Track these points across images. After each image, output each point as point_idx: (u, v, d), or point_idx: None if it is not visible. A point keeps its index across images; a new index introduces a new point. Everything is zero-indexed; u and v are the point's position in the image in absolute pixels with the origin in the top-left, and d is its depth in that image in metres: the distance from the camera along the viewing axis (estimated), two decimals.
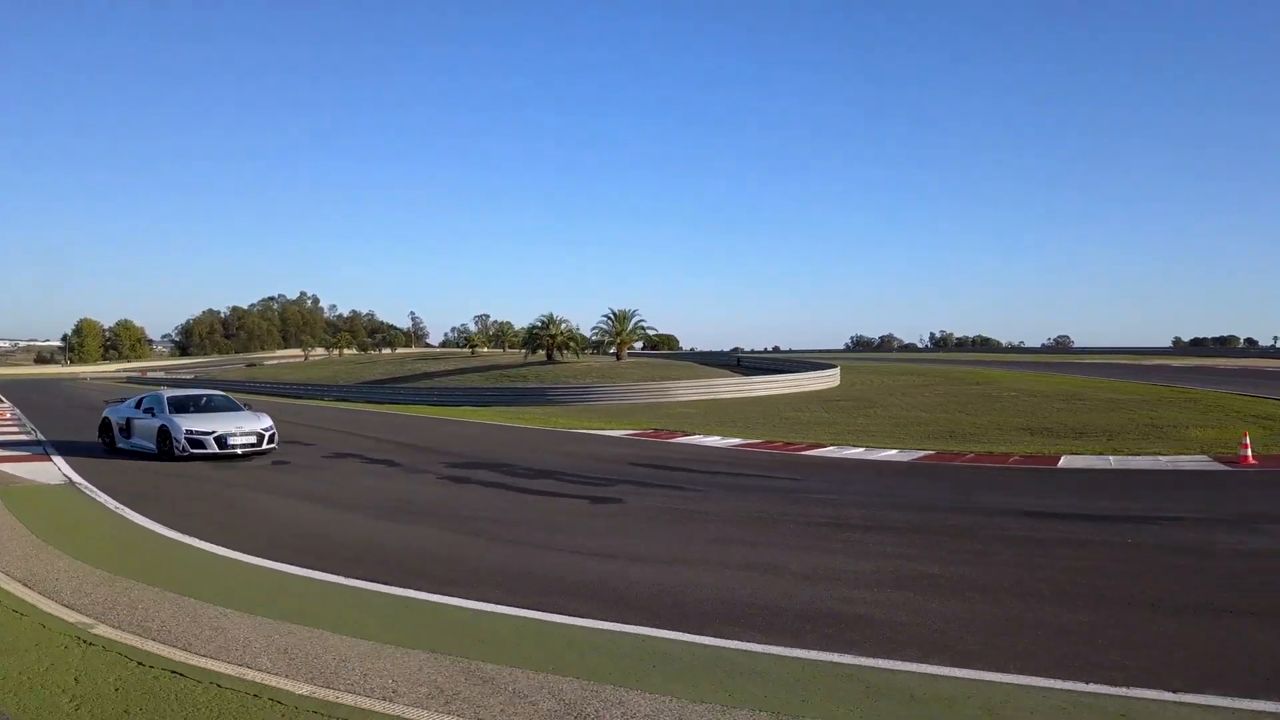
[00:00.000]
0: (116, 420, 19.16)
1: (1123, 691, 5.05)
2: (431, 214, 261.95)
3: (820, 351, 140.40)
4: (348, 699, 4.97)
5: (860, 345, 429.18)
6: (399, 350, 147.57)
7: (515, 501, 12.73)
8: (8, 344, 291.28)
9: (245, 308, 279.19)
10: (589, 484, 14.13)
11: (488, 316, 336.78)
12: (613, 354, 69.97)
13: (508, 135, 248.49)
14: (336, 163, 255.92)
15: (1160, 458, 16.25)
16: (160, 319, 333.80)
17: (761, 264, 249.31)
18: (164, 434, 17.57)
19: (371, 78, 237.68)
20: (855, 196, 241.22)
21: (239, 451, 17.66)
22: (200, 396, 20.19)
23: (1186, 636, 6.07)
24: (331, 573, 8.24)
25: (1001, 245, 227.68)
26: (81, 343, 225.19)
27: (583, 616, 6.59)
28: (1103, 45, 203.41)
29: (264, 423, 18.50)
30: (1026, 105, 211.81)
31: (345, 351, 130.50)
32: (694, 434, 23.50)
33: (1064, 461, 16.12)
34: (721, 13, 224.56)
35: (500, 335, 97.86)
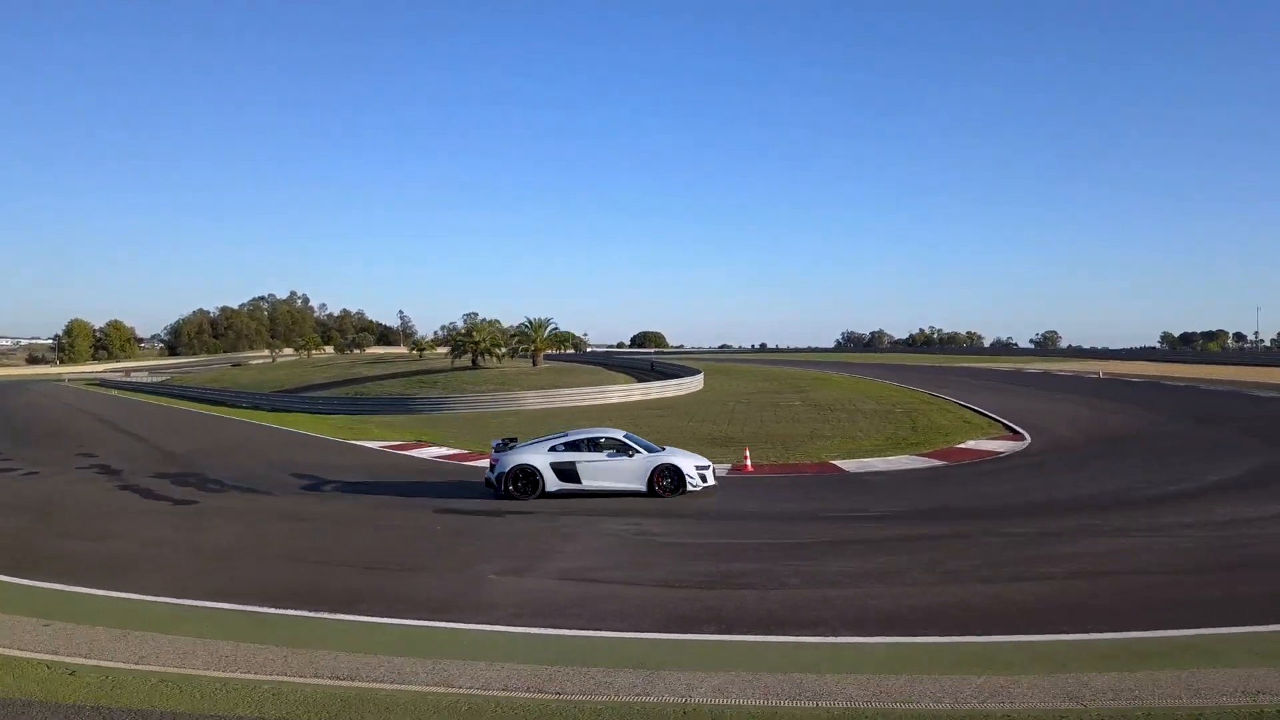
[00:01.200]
0: (550, 465, 18.10)
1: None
2: (426, 211, 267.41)
3: (811, 350, 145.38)
4: None
5: (852, 341, 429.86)
6: (368, 350, 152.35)
7: (125, 499, 17.95)
8: (9, 342, 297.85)
9: (236, 308, 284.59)
10: (214, 491, 19.19)
11: (476, 315, 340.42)
12: (528, 357, 74.86)
13: (502, 134, 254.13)
14: (329, 162, 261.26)
15: None
16: (157, 317, 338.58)
17: (758, 261, 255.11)
18: (667, 472, 17.83)
19: (368, 76, 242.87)
20: (851, 195, 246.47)
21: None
22: (600, 436, 19.15)
23: (206, 566, 11.05)
24: None
25: (996, 242, 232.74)
26: (72, 343, 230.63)
27: None
28: (1093, 44, 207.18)
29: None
30: (1024, 104, 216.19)
31: (315, 353, 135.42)
32: (436, 445, 28.36)
33: None
34: (715, 10, 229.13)
35: (449, 340, 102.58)
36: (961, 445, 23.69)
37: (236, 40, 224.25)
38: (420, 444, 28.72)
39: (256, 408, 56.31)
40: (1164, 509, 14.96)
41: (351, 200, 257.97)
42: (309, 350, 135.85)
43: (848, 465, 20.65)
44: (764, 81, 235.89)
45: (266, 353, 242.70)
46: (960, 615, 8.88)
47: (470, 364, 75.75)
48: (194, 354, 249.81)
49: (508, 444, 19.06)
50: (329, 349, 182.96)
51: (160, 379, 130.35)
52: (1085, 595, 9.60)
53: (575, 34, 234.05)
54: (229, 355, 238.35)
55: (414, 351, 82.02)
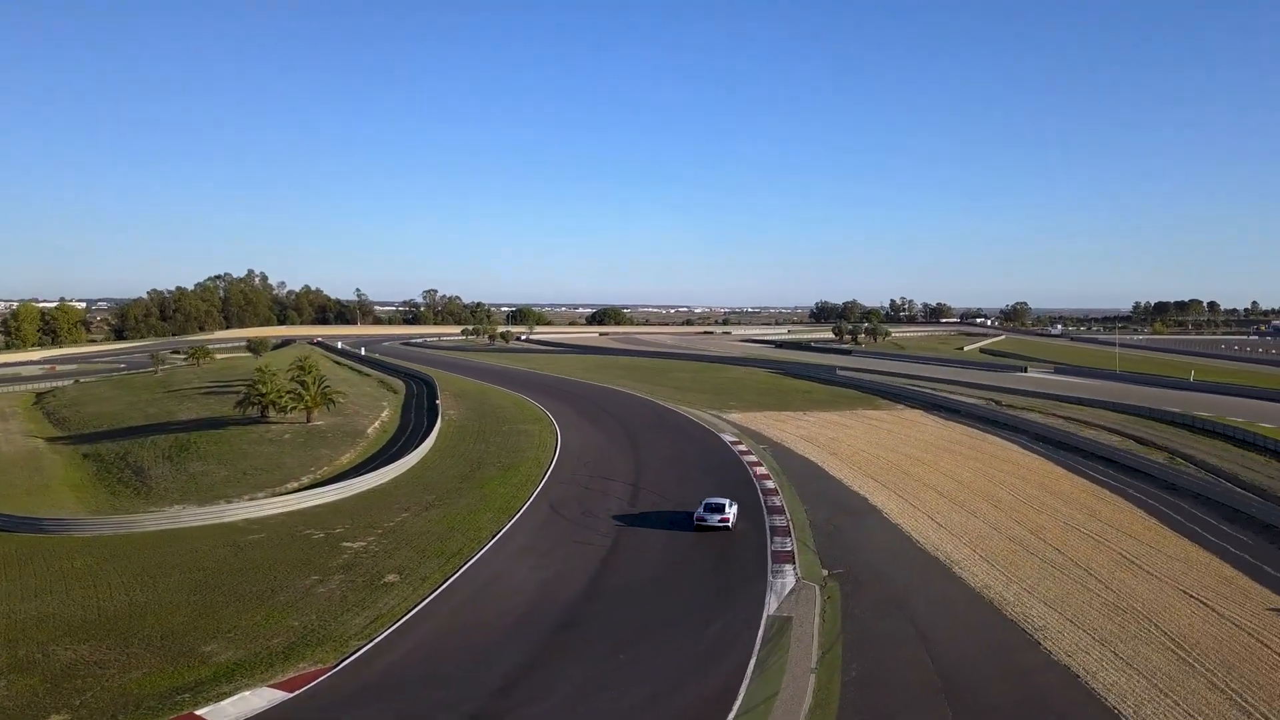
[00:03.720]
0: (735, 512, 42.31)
1: None
2: (393, 188, 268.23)
3: (785, 311, 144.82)
4: None
5: (825, 312, 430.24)
6: (260, 358, 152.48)
7: None
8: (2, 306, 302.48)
9: (190, 289, 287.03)
10: None
11: (435, 292, 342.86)
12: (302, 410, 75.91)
13: (473, 100, 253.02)
14: (291, 134, 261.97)
15: None
16: (129, 289, 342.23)
17: (738, 226, 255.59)
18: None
19: (339, 48, 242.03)
20: (829, 163, 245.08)
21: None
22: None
23: None
24: None
25: (972, 211, 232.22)
26: (19, 327, 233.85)
27: None
28: (1068, 11, 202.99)
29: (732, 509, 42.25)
30: (1006, 76, 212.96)
31: (204, 362, 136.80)
32: None
33: None
34: None
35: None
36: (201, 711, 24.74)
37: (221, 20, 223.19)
38: None
39: None
40: None
41: (315, 175, 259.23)
42: (198, 359, 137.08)
43: None
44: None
45: (231, 333, 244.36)
46: None
47: (259, 415, 77.36)
48: (141, 337, 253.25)
49: (712, 506, 41.92)
50: (250, 335, 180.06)
51: (64, 383, 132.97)
52: None
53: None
54: (175, 340, 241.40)
55: (257, 387, 79.82)
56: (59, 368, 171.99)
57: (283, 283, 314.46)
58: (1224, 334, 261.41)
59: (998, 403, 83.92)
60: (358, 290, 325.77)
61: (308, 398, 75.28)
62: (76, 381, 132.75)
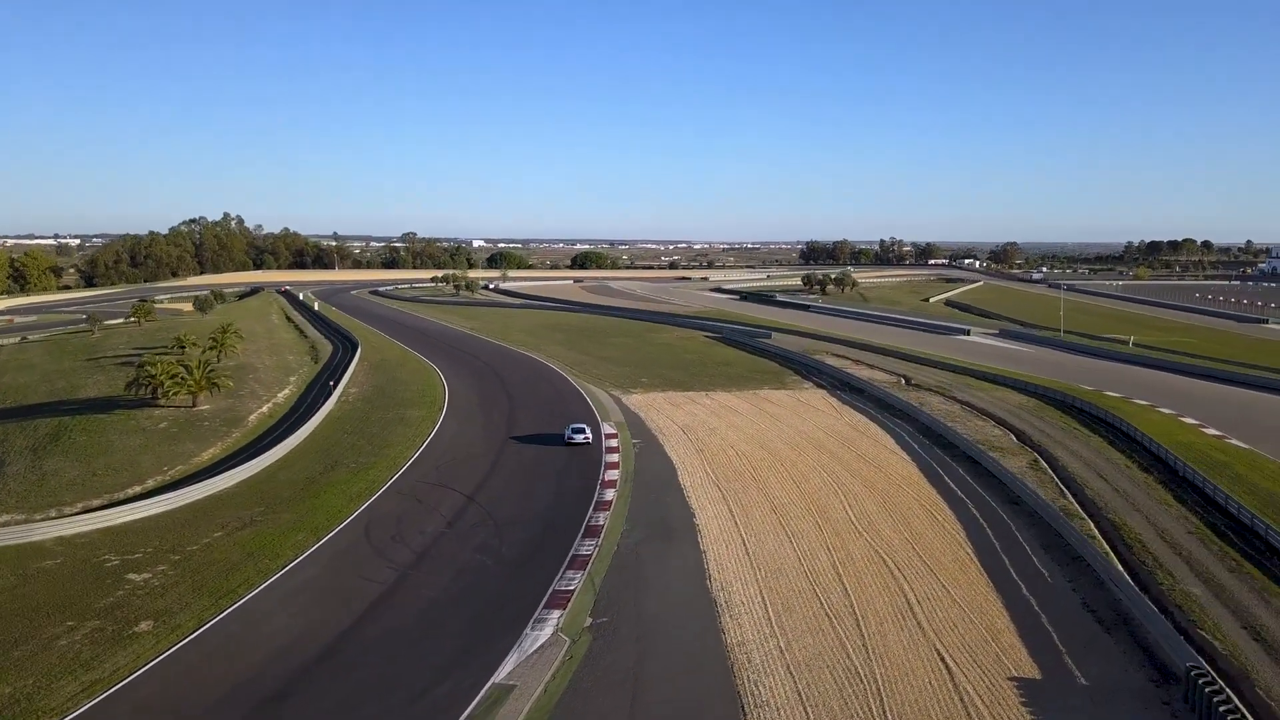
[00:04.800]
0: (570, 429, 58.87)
1: None
2: (388, 117, 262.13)
3: (784, 247, 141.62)
4: None
5: (814, 252, 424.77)
6: (207, 316, 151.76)
7: None
8: None
9: (164, 234, 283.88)
10: None
11: (414, 234, 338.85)
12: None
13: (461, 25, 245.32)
14: (267, 71, 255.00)
15: None
16: (124, 228, 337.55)
17: (740, 158, 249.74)
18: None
19: None
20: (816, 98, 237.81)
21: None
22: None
23: None
24: None
25: (964, 152, 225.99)
26: None
27: None
28: None
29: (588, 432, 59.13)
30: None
31: (146, 321, 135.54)
32: None
33: None
34: None
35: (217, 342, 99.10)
36: None
37: None
38: None
39: None
40: None
41: (305, 100, 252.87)
42: (140, 319, 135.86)
43: None
44: None
45: (204, 279, 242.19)
46: None
47: (150, 395, 76.14)
48: (112, 284, 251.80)
49: (576, 429, 58.68)
50: (222, 281, 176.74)
51: (11, 340, 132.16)
52: None
53: None
54: (145, 286, 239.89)
55: (146, 369, 75.07)
56: (16, 319, 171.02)
57: (260, 225, 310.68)
58: (1207, 278, 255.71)
59: (907, 379, 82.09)
60: (335, 233, 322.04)
61: (190, 382, 73.90)
62: (23, 340, 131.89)
